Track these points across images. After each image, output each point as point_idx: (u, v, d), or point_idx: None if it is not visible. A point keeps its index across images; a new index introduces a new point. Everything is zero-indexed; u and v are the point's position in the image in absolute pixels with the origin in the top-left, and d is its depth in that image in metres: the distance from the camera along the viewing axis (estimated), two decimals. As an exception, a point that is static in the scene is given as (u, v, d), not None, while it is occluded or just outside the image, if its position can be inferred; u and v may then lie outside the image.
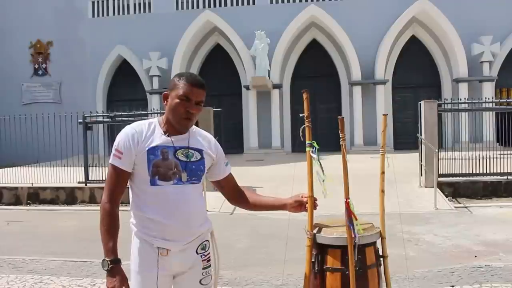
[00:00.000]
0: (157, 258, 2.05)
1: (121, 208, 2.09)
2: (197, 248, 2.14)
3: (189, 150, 2.13)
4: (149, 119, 2.17)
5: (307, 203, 2.34)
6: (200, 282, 2.16)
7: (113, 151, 2.07)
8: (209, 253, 2.20)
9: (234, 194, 2.36)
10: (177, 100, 2.05)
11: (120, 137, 2.08)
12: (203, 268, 2.17)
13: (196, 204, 2.14)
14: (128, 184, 2.12)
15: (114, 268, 1.98)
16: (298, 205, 2.35)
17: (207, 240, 2.21)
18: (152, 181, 2.05)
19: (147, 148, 2.05)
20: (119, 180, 2.07)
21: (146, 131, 2.09)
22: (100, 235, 2.03)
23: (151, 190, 2.06)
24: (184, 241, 2.08)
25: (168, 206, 2.05)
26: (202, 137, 2.22)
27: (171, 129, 2.11)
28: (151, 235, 2.06)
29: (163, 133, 2.10)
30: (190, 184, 2.10)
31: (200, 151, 2.16)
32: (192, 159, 2.12)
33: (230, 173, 2.35)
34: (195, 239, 2.13)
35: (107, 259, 1.98)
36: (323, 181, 2.44)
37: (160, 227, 2.05)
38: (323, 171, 2.43)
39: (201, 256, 2.15)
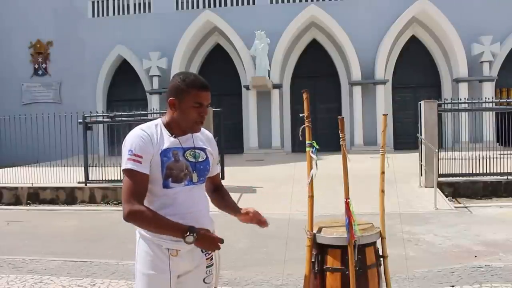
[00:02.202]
0: (168, 260, 2.04)
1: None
2: None
3: (195, 150, 2.14)
4: (154, 121, 2.14)
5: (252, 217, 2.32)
6: (203, 280, 2.17)
7: (129, 155, 1.98)
8: (211, 252, 2.20)
9: (213, 191, 2.39)
10: (191, 107, 2.05)
11: (135, 140, 2.01)
12: (207, 267, 2.17)
13: (204, 204, 2.17)
14: None
15: (196, 233, 1.91)
16: (248, 218, 2.33)
17: None
18: (164, 184, 2.04)
19: (160, 151, 2.04)
20: (144, 184, 2.00)
21: (156, 132, 2.07)
22: (157, 230, 1.96)
23: (162, 193, 2.05)
24: None
25: (180, 208, 2.05)
26: (204, 136, 2.23)
27: (176, 130, 2.11)
28: (161, 237, 2.03)
29: (170, 134, 2.09)
30: (199, 184, 2.13)
31: (204, 150, 2.18)
32: (200, 159, 2.14)
33: (218, 173, 2.39)
34: None
35: (187, 234, 1.90)
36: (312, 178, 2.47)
37: None
38: (317, 168, 2.46)
39: (205, 254, 2.16)
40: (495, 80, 16.71)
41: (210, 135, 2.29)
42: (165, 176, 2.03)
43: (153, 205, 2.04)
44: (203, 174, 2.15)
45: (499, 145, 12.19)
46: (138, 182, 1.98)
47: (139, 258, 2.09)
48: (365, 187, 7.19)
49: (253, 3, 18.26)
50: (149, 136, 2.03)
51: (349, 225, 2.51)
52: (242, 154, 17.21)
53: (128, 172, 1.98)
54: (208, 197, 2.34)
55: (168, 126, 2.11)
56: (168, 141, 2.07)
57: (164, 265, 2.04)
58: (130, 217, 1.95)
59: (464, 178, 9.90)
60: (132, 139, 2.02)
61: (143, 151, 1.99)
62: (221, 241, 1.97)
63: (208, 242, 1.95)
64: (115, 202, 10.10)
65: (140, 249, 2.09)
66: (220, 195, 2.39)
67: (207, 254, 2.16)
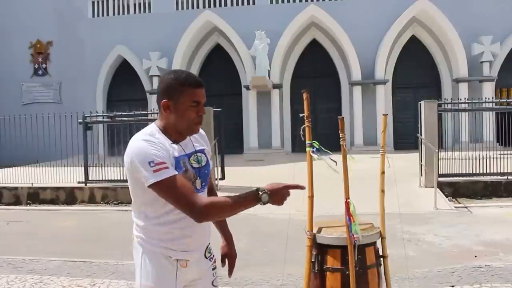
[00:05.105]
0: (176, 272, 1.96)
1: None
2: (205, 253, 2.09)
3: (197, 154, 2.00)
4: (148, 129, 1.95)
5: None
6: (212, 283, 2.13)
7: (153, 167, 1.80)
8: (213, 255, 2.16)
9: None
10: (188, 107, 1.90)
11: (148, 152, 1.83)
12: (213, 269, 2.14)
13: None
14: (138, 201, 1.97)
15: (266, 191, 1.84)
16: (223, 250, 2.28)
17: (209, 243, 2.17)
18: None
19: (173, 161, 1.89)
20: (188, 182, 1.89)
21: (162, 142, 1.90)
22: (233, 211, 1.84)
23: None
24: (201, 249, 2.05)
25: (190, 220, 1.88)
26: (199, 135, 2.08)
27: (174, 135, 1.95)
28: (171, 249, 1.95)
29: (171, 141, 1.93)
30: (202, 190, 2.01)
31: (203, 151, 2.05)
32: (203, 163, 2.01)
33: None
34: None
35: (261, 194, 1.82)
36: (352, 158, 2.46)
37: (182, 240, 1.96)
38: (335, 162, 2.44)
39: (209, 259, 2.11)
40: (495, 80, 16.72)
41: (203, 132, 2.13)
42: None
43: (163, 217, 1.93)
44: (206, 178, 2.02)
45: (499, 145, 12.18)
46: (182, 182, 1.84)
47: (143, 272, 1.96)
48: (365, 187, 7.18)
49: (253, 3, 18.26)
50: (159, 142, 1.87)
51: (349, 225, 2.51)
52: (242, 154, 17.21)
53: (165, 183, 1.81)
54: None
55: (165, 131, 1.94)
56: (174, 148, 1.92)
57: (171, 278, 1.95)
58: (206, 211, 1.81)
59: (464, 178, 9.90)
60: (144, 152, 1.83)
61: (163, 158, 1.84)
62: (288, 192, 1.87)
63: (280, 196, 1.86)
64: (115, 202, 10.10)
65: (145, 263, 1.96)
66: None
67: (210, 259, 2.11)
